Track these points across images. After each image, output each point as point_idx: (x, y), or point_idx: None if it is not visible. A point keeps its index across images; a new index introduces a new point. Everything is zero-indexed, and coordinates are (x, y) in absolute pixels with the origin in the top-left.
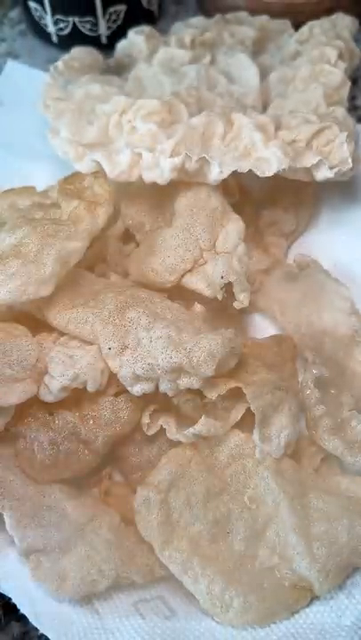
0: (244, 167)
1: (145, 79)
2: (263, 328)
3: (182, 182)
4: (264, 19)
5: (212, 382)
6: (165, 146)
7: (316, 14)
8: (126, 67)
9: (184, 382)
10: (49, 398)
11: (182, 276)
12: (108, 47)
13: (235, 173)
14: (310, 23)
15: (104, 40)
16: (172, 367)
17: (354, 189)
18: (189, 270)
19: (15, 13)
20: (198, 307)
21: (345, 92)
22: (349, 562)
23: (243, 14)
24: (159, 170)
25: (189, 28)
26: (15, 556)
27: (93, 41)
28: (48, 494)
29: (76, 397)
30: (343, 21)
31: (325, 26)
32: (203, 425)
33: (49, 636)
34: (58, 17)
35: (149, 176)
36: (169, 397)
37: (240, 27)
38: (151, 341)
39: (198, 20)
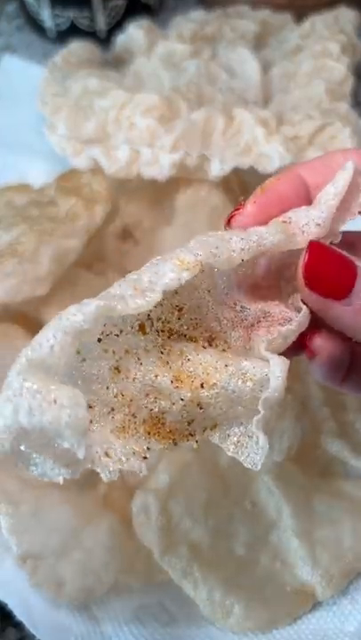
0: (245, 163)
1: (144, 74)
2: None
3: (182, 179)
4: (266, 13)
5: None
6: (165, 142)
7: (318, 8)
8: (125, 61)
9: None
10: None
11: None
12: (106, 42)
13: (236, 169)
14: (312, 17)
15: (102, 35)
16: None
17: None
18: None
19: (12, 8)
20: None
21: (348, 87)
22: (353, 567)
23: (244, 8)
24: (158, 166)
25: (190, 22)
26: (12, 562)
27: (91, 36)
28: (45, 498)
29: None
30: (346, 15)
31: (328, 20)
32: None
33: None
34: (56, 12)
35: (148, 172)
36: None
37: (241, 21)
38: None
39: (199, 14)
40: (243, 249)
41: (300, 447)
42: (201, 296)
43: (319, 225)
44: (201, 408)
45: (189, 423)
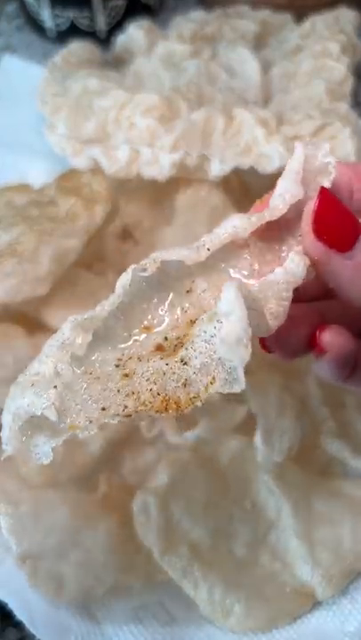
0: (245, 163)
1: (144, 74)
2: None
3: (182, 179)
4: (266, 13)
5: None
6: (165, 142)
7: (318, 8)
8: (125, 61)
9: None
10: None
11: None
12: (106, 42)
13: (236, 169)
14: (313, 17)
15: (102, 35)
16: None
17: None
18: None
19: (12, 8)
20: None
21: (348, 87)
22: (353, 567)
23: (244, 8)
24: (158, 166)
25: (190, 22)
26: (12, 562)
27: (91, 36)
28: (44, 498)
29: None
30: (346, 16)
31: (328, 20)
32: (203, 428)
33: None
34: (56, 12)
35: (148, 172)
36: None
37: (241, 21)
38: None
39: (199, 14)
40: (205, 239)
41: (300, 447)
42: (203, 297)
43: (281, 194)
44: (185, 363)
45: (185, 385)
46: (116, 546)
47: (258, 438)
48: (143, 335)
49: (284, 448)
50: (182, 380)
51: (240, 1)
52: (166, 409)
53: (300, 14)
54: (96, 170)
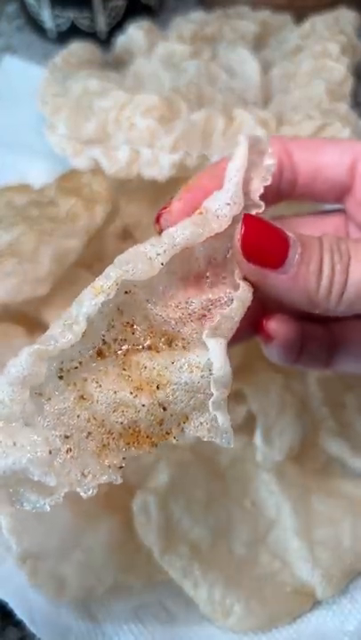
0: None
1: (144, 75)
2: None
3: (182, 179)
4: (265, 13)
5: None
6: (165, 142)
7: (318, 9)
8: (125, 62)
9: None
10: None
11: None
12: (106, 43)
13: None
14: (312, 18)
15: (103, 36)
16: None
17: None
18: None
19: (13, 8)
20: None
21: (348, 87)
22: (353, 566)
23: (244, 9)
24: (158, 166)
25: (190, 22)
26: (13, 561)
27: (91, 37)
28: None
29: None
30: (346, 16)
31: (328, 21)
32: None
33: None
34: (56, 12)
35: (148, 172)
36: None
37: (241, 21)
38: None
39: (199, 15)
40: (158, 253)
41: (300, 446)
42: (143, 307)
43: (229, 204)
44: (164, 408)
45: (161, 424)
46: (117, 545)
47: (258, 437)
48: (78, 338)
49: (285, 447)
50: (158, 420)
51: (240, 1)
52: (137, 441)
53: (300, 15)
54: (96, 170)
